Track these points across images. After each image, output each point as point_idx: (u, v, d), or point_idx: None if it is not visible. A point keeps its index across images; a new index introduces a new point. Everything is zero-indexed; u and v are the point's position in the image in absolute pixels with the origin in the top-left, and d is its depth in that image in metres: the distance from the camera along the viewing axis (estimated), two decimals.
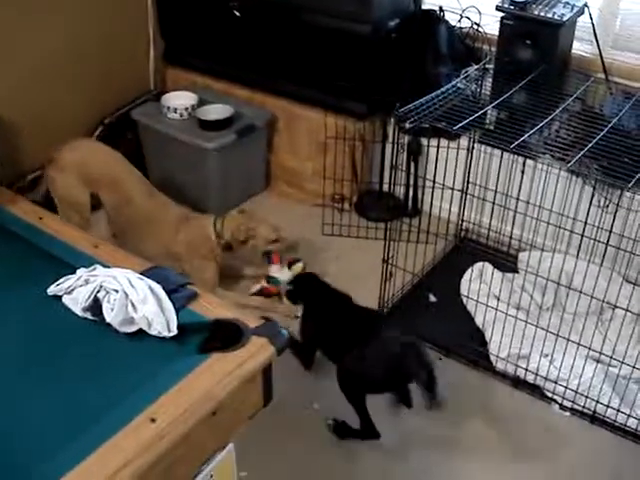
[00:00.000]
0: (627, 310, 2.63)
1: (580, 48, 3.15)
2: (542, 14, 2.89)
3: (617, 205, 2.90)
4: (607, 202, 3.01)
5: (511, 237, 3.39)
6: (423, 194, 3.71)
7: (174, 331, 1.83)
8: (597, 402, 2.67)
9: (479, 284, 3.15)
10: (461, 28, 3.38)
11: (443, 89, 2.85)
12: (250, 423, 1.80)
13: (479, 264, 3.25)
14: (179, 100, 3.74)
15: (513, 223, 3.18)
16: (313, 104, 3.63)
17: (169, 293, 1.92)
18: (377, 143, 3.68)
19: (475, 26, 3.33)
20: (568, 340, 2.70)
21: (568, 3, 2.96)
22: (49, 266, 2.08)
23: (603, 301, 2.69)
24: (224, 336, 1.80)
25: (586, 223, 2.58)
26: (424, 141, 3.51)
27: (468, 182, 3.29)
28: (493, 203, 3.00)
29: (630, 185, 2.35)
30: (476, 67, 3.16)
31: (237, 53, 3.76)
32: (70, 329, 1.90)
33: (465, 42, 3.38)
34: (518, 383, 2.83)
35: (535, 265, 3.06)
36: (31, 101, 3.34)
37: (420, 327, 3.03)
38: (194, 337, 1.83)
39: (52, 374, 1.76)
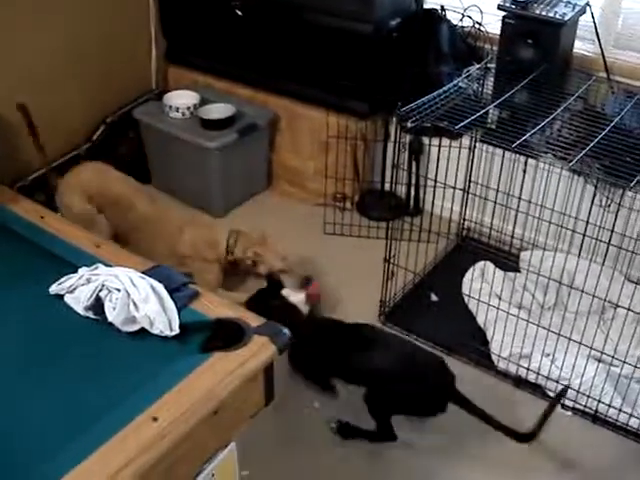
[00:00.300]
0: (629, 309, 2.63)
1: (582, 47, 3.15)
2: (544, 13, 2.89)
3: (619, 204, 2.90)
4: (609, 201, 3.01)
5: (513, 236, 3.39)
6: (425, 193, 3.71)
7: (176, 330, 1.84)
8: (599, 402, 2.67)
9: (481, 283, 3.15)
10: (463, 27, 3.38)
11: (445, 88, 2.85)
12: (252, 422, 1.81)
13: (481, 263, 3.25)
14: (181, 99, 3.74)
15: (515, 222, 3.17)
16: (315, 103, 3.63)
17: (171, 292, 1.92)
18: (379, 142, 3.68)
19: (477, 25, 3.33)
20: (570, 339, 2.70)
21: (570, 2, 2.95)
22: (51, 265, 2.09)
23: (605, 300, 2.69)
24: (226, 335, 1.81)
25: (588, 222, 2.58)
26: (426, 140, 3.51)
27: (470, 181, 3.29)
28: (495, 202, 3.00)
29: (632, 184, 2.35)
30: (478, 66, 3.16)
31: (239, 52, 3.76)
32: (72, 328, 1.91)
33: (467, 41, 3.38)
34: (520, 382, 2.83)
35: (537, 264, 3.06)
36: (32, 100, 3.34)
37: (421, 326, 3.03)
38: (196, 336, 1.83)
39: (54, 373, 1.76)
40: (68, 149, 3.58)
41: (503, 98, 2.79)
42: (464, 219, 3.53)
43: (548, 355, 2.78)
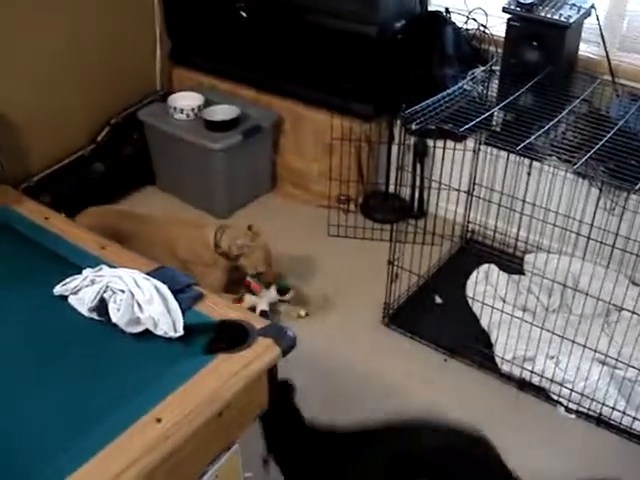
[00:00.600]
0: (633, 312, 2.62)
1: (587, 50, 3.15)
2: (549, 16, 2.89)
3: (623, 208, 2.90)
4: (613, 204, 3.00)
5: (517, 239, 3.39)
6: (429, 195, 3.71)
7: (180, 331, 1.84)
8: (603, 405, 2.66)
9: (485, 286, 3.14)
10: (467, 30, 3.37)
11: (449, 90, 2.85)
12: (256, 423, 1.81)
13: (485, 266, 3.24)
14: (185, 101, 3.74)
15: (519, 225, 3.17)
16: (319, 105, 3.63)
17: (175, 293, 1.92)
18: (383, 144, 3.67)
19: (481, 28, 3.33)
20: (574, 342, 2.69)
21: (575, 5, 2.95)
22: (55, 266, 2.09)
23: (609, 303, 2.68)
24: (230, 337, 1.81)
25: (592, 225, 2.57)
26: (430, 142, 3.51)
27: (474, 184, 3.28)
28: (499, 205, 2.99)
29: (637, 187, 2.34)
30: (482, 69, 3.15)
31: (243, 54, 3.77)
32: (76, 329, 1.91)
33: (471, 44, 3.37)
34: (523, 385, 2.82)
35: (541, 267, 3.06)
36: (37, 102, 3.35)
37: (425, 329, 3.03)
38: (200, 338, 1.83)
39: (58, 374, 1.76)
40: (73, 150, 3.58)
41: (508, 101, 2.79)
42: (468, 221, 3.53)
43: (552, 358, 2.77)
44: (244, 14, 3.62)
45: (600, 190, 2.97)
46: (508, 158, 3.02)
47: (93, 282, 1.94)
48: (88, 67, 3.56)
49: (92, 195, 3.53)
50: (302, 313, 3.13)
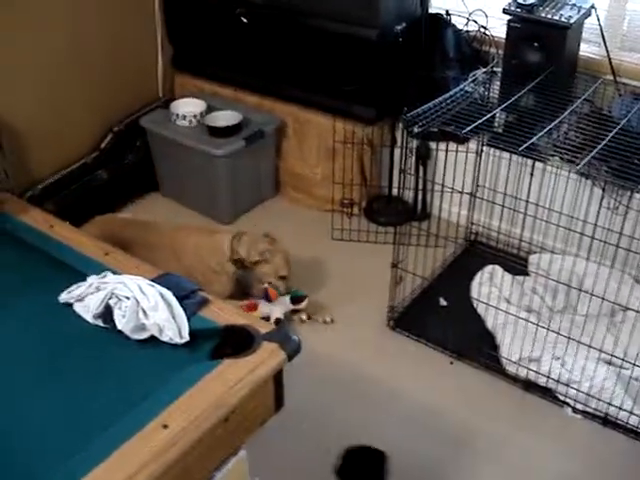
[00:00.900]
0: (638, 312, 2.62)
1: (588, 50, 3.15)
2: (549, 16, 2.89)
3: (627, 207, 2.89)
4: (617, 204, 3.00)
5: (521, 240, 3.38)
6: (432, 198, 3.71)
7: (186, 337, 1.84)
8: (609, 404, 2.66)
9: (489, 287, 3.14)
10: (468, 31, 3.38)
11: (451, 93, 2.85)
12: (264, 428, 1.81)
13: (489, 267, 3.24)
14: (188, 107, 3.75)
15: (523, 226, 3.17)
16: (322, 109, 3.63)
17: (180, 299, 1.92)
18: (386, 147, 3.68)
19: (482, 29, 3.33)
20: (579, 343, 2.69)
21: (575, 5, 2.95)
22: (60, 274, 2.09)
23: (614, 303, 2.68)
24: (235, 342, 1.81)
25: (596, 225, 2.57)
26: (433, 145, 3.51)
27: (477, 185, 3.29)
28: (502, 206, 3.00)
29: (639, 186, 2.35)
30: (484, 70, 3.16)
31: (245, 59, 3.78)
32: (81, 336, 1.91)
33: (472, 45, 3.38)
34: (529, 386, 2.82)
35: (545, 267, 3.06)
36: (40, 110, 3.36)
37: (431, 331, 3.03)
38: (205, 343, 1.83)
39: (64, 382, 1.77)
40: (76, 158, 3.59)
41: (509, 102, 2.79)
42: (472, 223, 3.53)
43: (558, 358, 2.77)
44: (245, 20, 3.63)
45: (603, 190, 2.98)
46: (511, 159, 3.03)
47: (98, 289, 1.94)
48: (90, 75, 3.57)
49: (96, 203, 3.55)
50: (328, 319, 3.12)
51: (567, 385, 2.73)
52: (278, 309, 3.06)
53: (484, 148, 3.23)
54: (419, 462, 2.55)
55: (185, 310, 1.89)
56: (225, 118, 3.69)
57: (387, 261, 3.00)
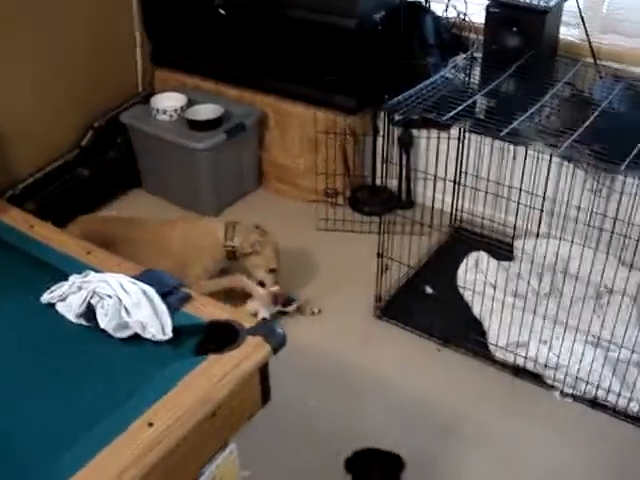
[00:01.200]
0: (624, 293, 2.62)
1: (568, 33, 3.14)
2: (527, 1, 2.89)
3: (610, 189, 2.90)
4: (600, 186, 3.00)
5: (505, 225, 3.38)
6: (416, 186, 3.70)
7: (169, 334, 1.83)
8: (597, 387, 2.67)
9: (475, 274, 3.14)
10: (447, 18, 3.37)
11: (432, 79, 2.84)
12: (252, 422, 1.80)
13: (474, 254, 3.24)
14: (168, 102, 3.73)
15: (507, 211, 3.17)
16: (303, 100, 3.62)
17: (163, 296, 1.91)
18: (368, 137, 3.67)
19: (461, 15, 3.32)
20: (566, 326, 2.69)
21: None
22: (42, 274, 2.07)
23: (600, 285, 2.68)
24: (219, 337, 1.79)
25: (580, 208, 2.57)
26: (415, 133, 3.50)
27: (461, 172, 3.28)
28: (486, 192, 3.00)
29: (622, 168, 2.34)
30: (464, 56, 3.15)
31: (225, 52, 3.75)
32: (65, 336, 1.89)
33: (452, 32, 3.37)
34: (518, 371, 2.82)
35: (530, 252, 3.06)
36: (18, 109, 3.33)
37: (417, 319, 3.03)
38: (189, 339, 1.82)
39: (46, 382, 1.75)
40: (57, 156, 3.57)
41: (490, 87, 2.78)
42: (456, 210, 3.52)
43: (545, 342, 2.77)
44: (223, 12, 3.61)
45: (586, 172, 2.98)
46: (493, 145, 3.02)
47: (80, 288, 1.92)
48: (69, 72, 3.55)
49: (78, 201, 3.52)
50: (315, 310, 3.12)
51: (555, 368, 2.74)
52: (265, 309, 3.04)
53: (466, 134, 3.22)
54: (409, 450, 2.54)
55: (168, 306, 1.88)
56: (206, 112, 3.67)
57: (373, 250, 3.00)
